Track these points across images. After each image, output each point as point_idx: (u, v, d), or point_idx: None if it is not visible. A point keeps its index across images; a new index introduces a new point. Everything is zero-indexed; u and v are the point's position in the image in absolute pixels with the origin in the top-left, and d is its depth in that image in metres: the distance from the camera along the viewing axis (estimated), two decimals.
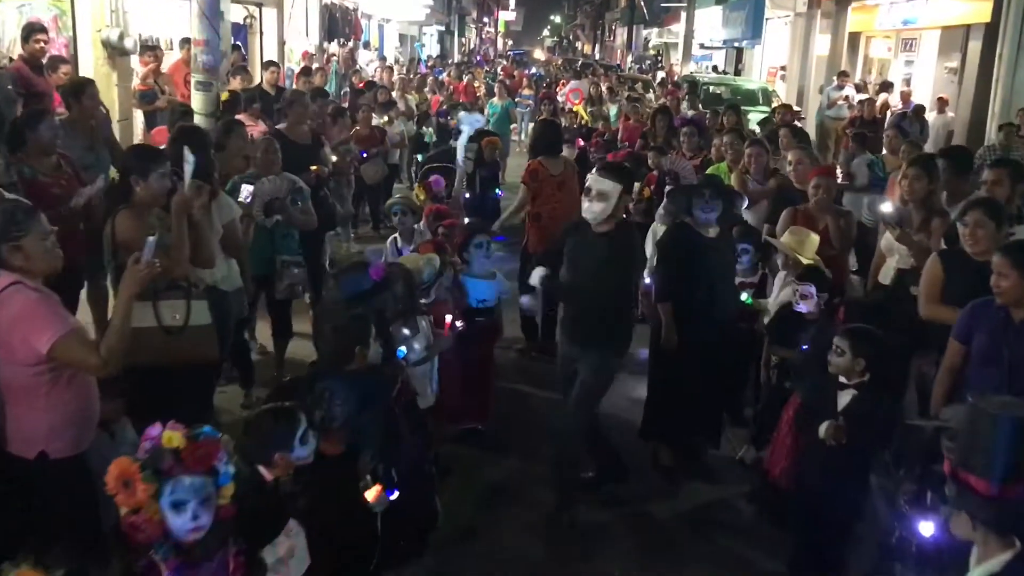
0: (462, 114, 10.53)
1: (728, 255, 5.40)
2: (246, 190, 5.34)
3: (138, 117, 10.48)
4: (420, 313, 4.76)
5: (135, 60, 10.55)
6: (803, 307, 4.91)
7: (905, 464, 3.80)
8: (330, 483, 3.21)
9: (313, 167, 7.18)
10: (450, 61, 34.68)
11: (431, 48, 40.25)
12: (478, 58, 42.36)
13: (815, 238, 5.59)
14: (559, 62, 39.77)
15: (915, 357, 4.88)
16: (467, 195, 10.46)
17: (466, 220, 9.67)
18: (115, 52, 10.03)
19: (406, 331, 4.55)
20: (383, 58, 23.56)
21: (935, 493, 3.28)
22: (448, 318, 5.09)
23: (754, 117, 13.87)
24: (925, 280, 4.72)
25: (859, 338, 4.09)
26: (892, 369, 4.27)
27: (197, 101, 8.75)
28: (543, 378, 6.89)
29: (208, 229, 4.58)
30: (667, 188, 7.96)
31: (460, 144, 8.75)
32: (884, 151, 9.42)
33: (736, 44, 30.21)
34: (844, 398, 4.14)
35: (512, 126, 16.23)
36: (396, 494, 3.66)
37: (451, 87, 21.54)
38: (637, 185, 8.22)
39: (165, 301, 4.21)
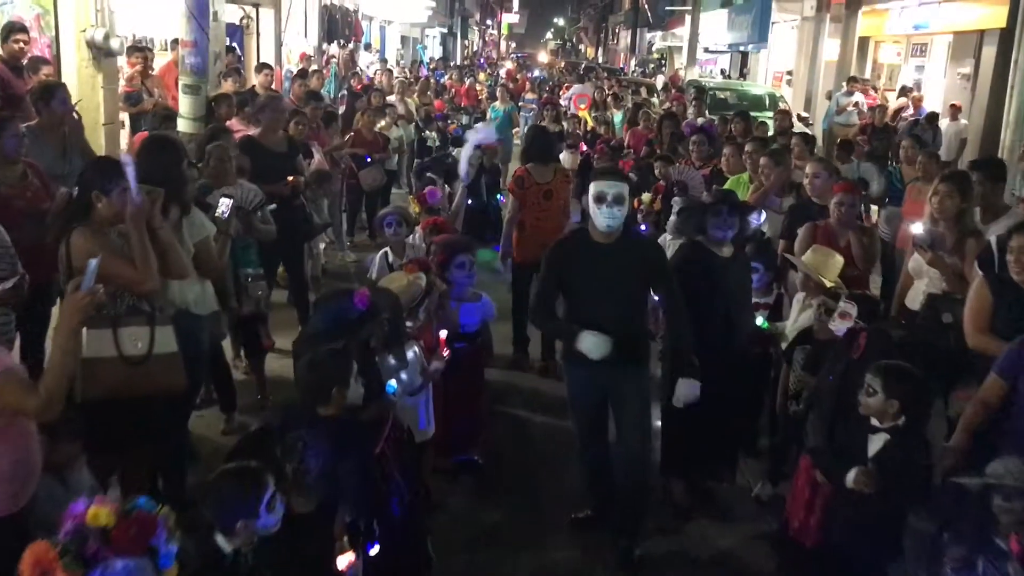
0: (479, 127, 10.02)
1: (744, 277, 5.01)
2: (224, 203, 4.93)
3: (126, 122, 10.09)
4: (408, 340, 4.37)
5: (123, 61, 10.15)
6: (839, 327, 4.47)
7: (946, 522, 3.38)
8: (300, 548, 2.81)
9: (289, 177, 6.80)
10: (452, 63, 34.32)
11: (433, 50, 39.88)
12: (481, 61, 41.96)
13: (839, 259, 5.19)
14: (562, 65, 39.35)
15: (955, 390, 4.45)
16: (470, 201, 10.09)
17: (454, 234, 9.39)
18: (100, 53, 9.61)
19: (394, 362, 4.16)
20: (384, 60, 23.18)
21: (990, 564, 2.87)
22: (443, 333, 4.71)
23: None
24: (972, 307, 4.31)
25: (895, 377, 3.68)
26: (930, 412, 3.87)
27: (184, 105, 8.38)
28: (539, 401, 6.51)
29: (174, 236, 4.18)
30: (674, 199, 7.58)
31: (464, 155, 8.29)
32: (901, 161, 9.02)
33: (741, 48, 29.83)
34: (875, 443, 3.73)
35: (515, 130, 15.83)
36: (376, 548, 3.27)
37: (452, 90, 21.19)
38: (646, 196, 7.84)
39: (126, 328, 3.82)
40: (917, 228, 5.23)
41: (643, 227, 7.82)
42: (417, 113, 15.01)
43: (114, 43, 9.70)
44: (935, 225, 5.23)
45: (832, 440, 3.96)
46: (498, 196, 12.18)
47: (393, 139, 11.23)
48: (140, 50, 9.84)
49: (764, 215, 6.44)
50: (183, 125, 8.35)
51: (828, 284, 5.04)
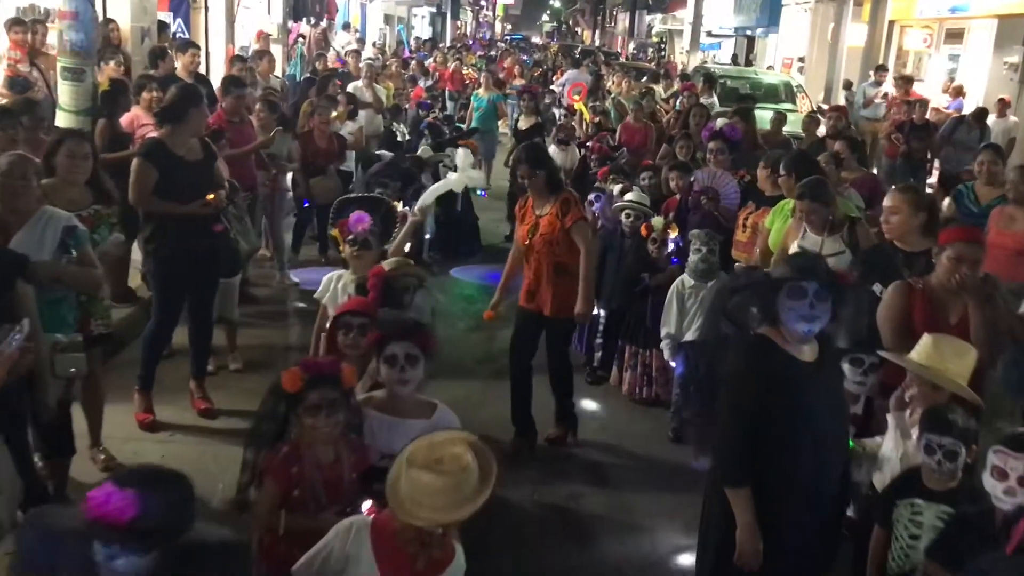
0: (460, 155, 7.89)
1: (838, 393, 3.19)
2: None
3: None
4: None
5: (3, 37, 8.25)
6: (1006, 503, 2.70)
7: None
8: None
9: (209, 195, 5.00)
10: (441, 45, 32.24)
11: (422, 31, 37.77)
12: (471, 42, 39.80)
13: (972, 353, 3.38)
14: (555, 48, 37.25)
15: None
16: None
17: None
18: None
19: None
20: (360, 40, 21.20)
21: None
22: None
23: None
24: None
25: None
26: None
27: (65, 94, 6.52)
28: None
29: None
30: (692, 232, 5.77)
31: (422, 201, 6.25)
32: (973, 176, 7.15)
33: (749, 32, 28.01)
34: None
35: (501, 121, 13.94)
36: None
37: (436, 74, 19.25)
38: (658, 221, 6.01)
39: None
40: None
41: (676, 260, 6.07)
42: (394, 99, 13.12)
43: None
44: None
45: None
46: (478, 191, 10.34)
47: (347, 133, 9.36)
48: (22, 23, 7.94)
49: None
50: (62, 119, 6.50)
51: (952, 388, 3.25)
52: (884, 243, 4.54)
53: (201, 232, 5.17)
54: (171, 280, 5.22)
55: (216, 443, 5.20)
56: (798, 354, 2.98)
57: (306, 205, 8.56)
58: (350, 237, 4.58)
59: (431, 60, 21.35)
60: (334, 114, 8.83)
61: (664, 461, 5.39)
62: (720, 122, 6.64)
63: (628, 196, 6.55)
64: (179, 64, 8.55)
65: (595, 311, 6.51)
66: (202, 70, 12.37)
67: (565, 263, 5.08)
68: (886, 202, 4.41)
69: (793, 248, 4.85)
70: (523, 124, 11.53)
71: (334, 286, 4.65)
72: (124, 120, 6.68)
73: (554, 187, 5.18)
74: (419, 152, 9.10)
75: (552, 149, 13.18)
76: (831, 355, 3.14)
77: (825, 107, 16.03)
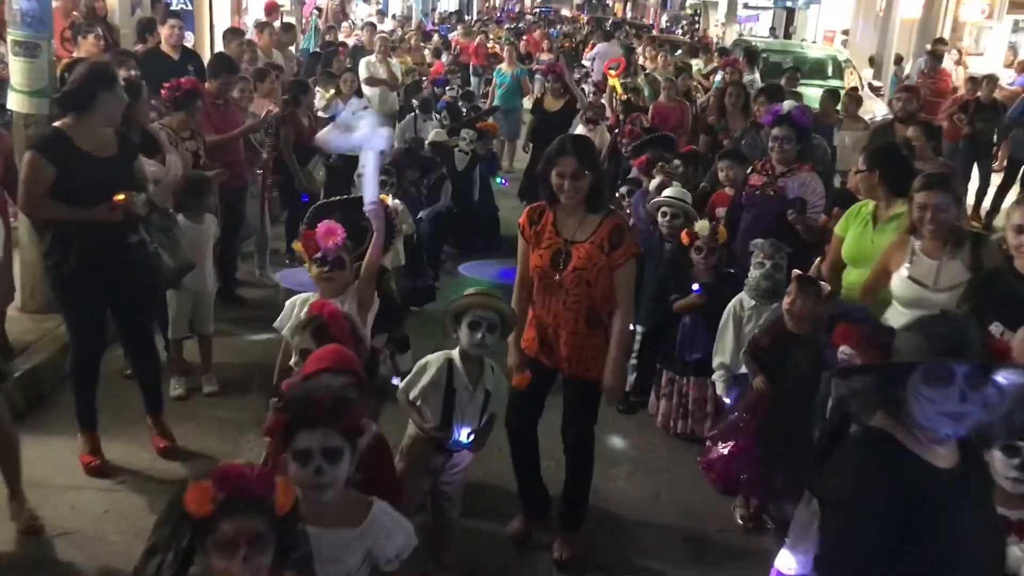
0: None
1: (986, 506, 2.23)
2: None
3: None
4: None
5: None
6: None
7: None
8: None
9: (119, 195, 4.09)
10: (468, 18, 31.12)
11: (449, 3, 36.64)
12: (499, 15, 38.57)
13: None
14: (585, 20, 35.96)
15: None
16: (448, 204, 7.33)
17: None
18: None
19: None
20: (381, 12, 20.23)
21: None
22: None
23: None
24: None
25: None
26: None
27: (17, 72, 5.65)
28: None
29: None
30: (754, 241, 4.83)
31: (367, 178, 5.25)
32: None
33: (788, 3, 26.72)
34: None
35: (526, 98, 12.92)
36: None
37: (458, 47, 18.26)
38: (702, 226, 5.04)
39: None
40: None
41: (731, 270, 5.13)
42: (410, 76, 12.19)
43: None
44: None
45: None
46: (498, 180, 9.40)
47: (351, 114, 8.43)
48: None
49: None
50: (14, 101, 5.65)
51: None
52: (1001, 266, 3.57)
53: (111, 244, 4.18)
54: (78, 301, 4.28)
55: (171, 490, 4.36)
56: (932, 458, 2.04)
57: (305, 200, 7.62)
58: (318, 255, 3.68)
59: (455, 33, 20.35)
60: (330, 93, 7.91)
61: (715, 540, 4.29)
62: (787, 104, 5.60)
63: (667, 191, 5.59)
64: (163, 35, 7.63)
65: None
66: (205, 46, 11.57)
67: (601, 310, 3.78)
68: (1015, 216, 3.43)
69: (901, 279, 3.88)
70: (551, 106, 10.31)
71: (297, 313, 3.77)
72: None
73: (598, 202, 3.77)
74: (431, 135, 8.13)
75: (580, 129, 12.27)
76: (976, 458, 2.19)
77: (877, 84, 14.89)
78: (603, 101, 12.31)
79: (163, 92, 5.86)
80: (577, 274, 3.71)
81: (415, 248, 6.61)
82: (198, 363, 5.51)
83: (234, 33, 8.90)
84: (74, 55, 7.11)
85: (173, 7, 9.66)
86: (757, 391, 4.06)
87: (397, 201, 5.64)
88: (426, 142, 8.18)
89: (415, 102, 9.99)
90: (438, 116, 10.10)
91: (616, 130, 9.35)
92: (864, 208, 4.56)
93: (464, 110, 10.76)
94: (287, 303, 3.93)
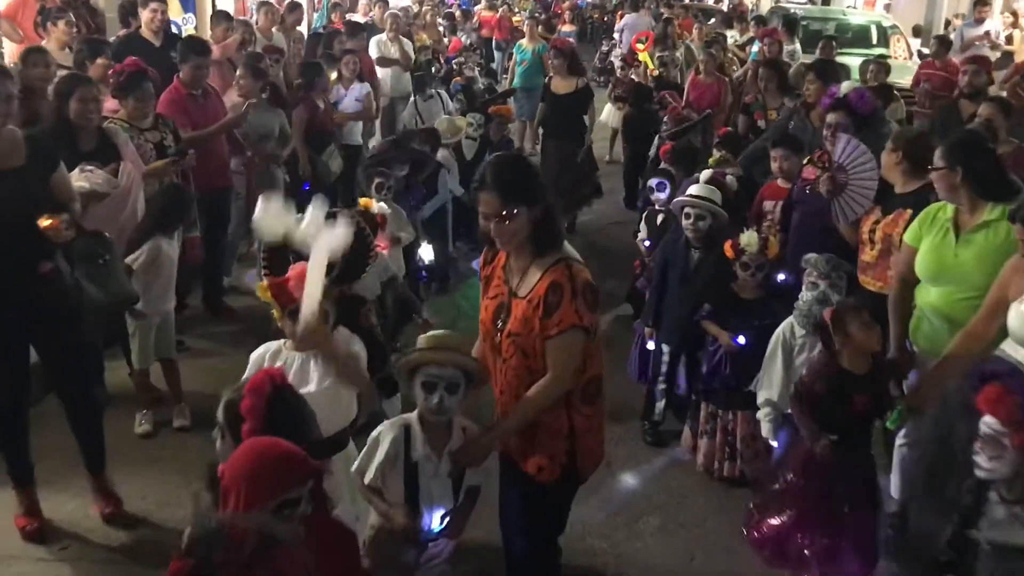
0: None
1: None
2: None
3: None
4: None
5: None
6: None
7: None
8: None
9: (45, 220, 3.41)
10: None
11: None
12: None
13: None
14: None
15: None
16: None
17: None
18: None
19: None
20: None
21: None
22: None
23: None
24: None
25: None
26: None
27: None
28: None
29: None
30: (807, 257, 4.08)
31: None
32: None
33: None
34: None
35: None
36: None
37: (478, 21, 17.41)
38: (749, 239, 4.26)
39: None
40: None
41: (781, 276, 4.33)
42: (424, 53, 11.41)
43: None
44: None
45: None
46: None
47: (354, 100, 7.73)
48: None
49: None
50: None
51: None
52: None
53: (18, 274, 3.50)
54: None
55: (129, 560, 3.73)
56: None
57: (306, 189, 6.96)
58: (289, 308, 2.97)
59: (479, 7, 19.48)
60: (332, 76, 7.21)
61: None
62: (846, 86, 4.76)
63: (692, 188, 4.78)
64: (143, 20, 6.93)
65: (651, 345, 4.88)
66: (208, 31, 10.87)
67: None
68: None
69: (1019, 313, 3.09)
70: (560, 87, 8.28)
71: (268, 366, 3.07)
72: None
73: (547, 245, 2.83)
74: (438, 123, 7.38)
75: (607, 108, 11.44)
76: None
77: (926, 51, 13.83)
78: (633, 76, 11.49)
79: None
80: (512, 340, 2.86)
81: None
82: (168, 391, 4.87)
83: (221, 17, 8.18)
84: (44, 43, 6.45)
85: None
86: (820, 456, 3.29)
87: (382, 205, 4.90)
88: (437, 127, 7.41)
89: (457, 88, 9.26)
90: (456, 98, 9.38)
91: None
92: (941, 213, 3.74)
93: (482, 89, 10.00)
94: (253, 357, 3.19)
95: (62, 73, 5.32)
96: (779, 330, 3.89)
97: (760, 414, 3.96)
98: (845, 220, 4.44)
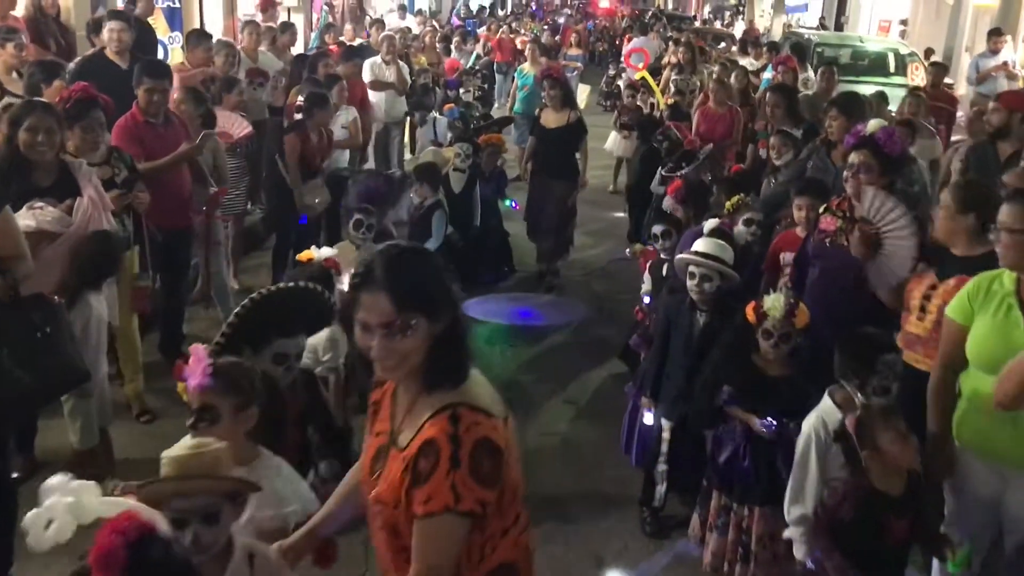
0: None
1: None
2: None
3: None
4: None
5: None
6: None
7: None
8: None
9: None
10: (502, 13, 29.73)
11: None
12: (533, 7, 37.09)
13: None
14: (623, 13, 34.33)
15: None
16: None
17: None
18: None
19: None
20: (403, 7, 18.93)
21: None
22: None
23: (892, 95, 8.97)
24: None
25: None
26: None
27: None
28: None
29: None
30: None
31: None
32: None
33: None
34: None
35: None
36: None
37: (488, 44, 16.92)
38: (774, 302, 3.65)
39: None
40: None
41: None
42: (423, 76, 10.87)
43: None
44: None
45: None
46: (507, 202, 8.07)
47: (339, 127, 7.17)
48: None
49: None
50: None
51: None
52: None
53: None
54: None
55: None
56: None
57: (303, 223, 6.38)
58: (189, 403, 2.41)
59: (483, 29, 19.03)
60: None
61: None
62: (874, 124, 4.15)
63: (698, 244, 4.18)
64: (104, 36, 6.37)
65: (649, 419, 4.30)
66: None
67: None
68: None
69: None
70: (550, 121, 7.39)
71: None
72: None
73: (439, 373, 1.98)
74: (423, 155, 6.82)
75: (612, 136, 10.86)
76: None
77: (949, 82, 13.26)
78: (639, 103, 10.92)
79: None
80: (379, 509, 2.06)
81: None
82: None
83: (200, 37, 7.65)
84: None
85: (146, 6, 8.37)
86: None
87: (326, 250, 4.28)
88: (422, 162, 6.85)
89: (453, 115, 8.73)
90: (453, 125, 8.85)
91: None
92: (996, 285, 3.14)
93: (476, 116, 9.48)
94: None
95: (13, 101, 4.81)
96: (809, 427, 3.24)
97: (792, 532, 3.28)
98: (885, 285, 3.85)
